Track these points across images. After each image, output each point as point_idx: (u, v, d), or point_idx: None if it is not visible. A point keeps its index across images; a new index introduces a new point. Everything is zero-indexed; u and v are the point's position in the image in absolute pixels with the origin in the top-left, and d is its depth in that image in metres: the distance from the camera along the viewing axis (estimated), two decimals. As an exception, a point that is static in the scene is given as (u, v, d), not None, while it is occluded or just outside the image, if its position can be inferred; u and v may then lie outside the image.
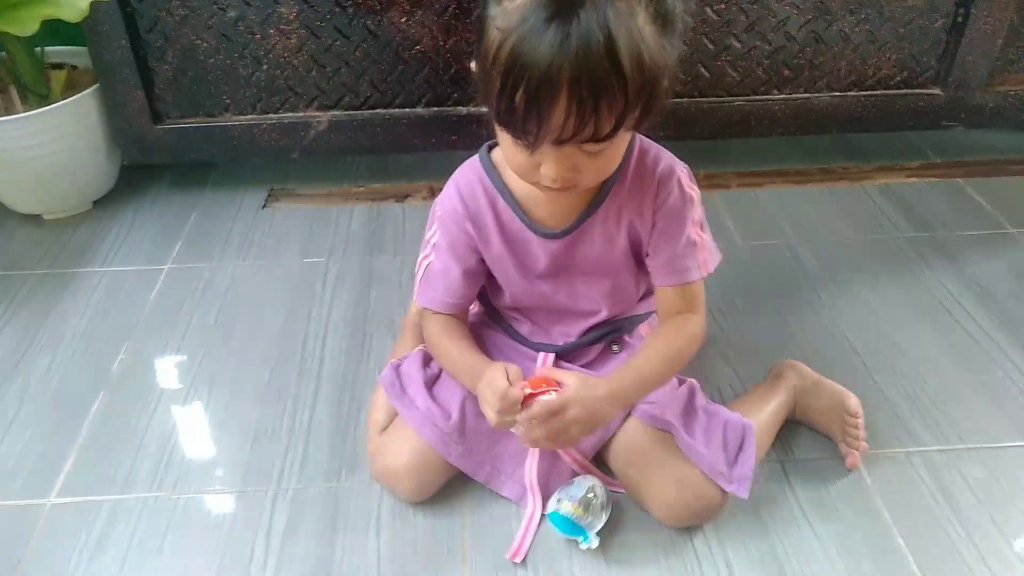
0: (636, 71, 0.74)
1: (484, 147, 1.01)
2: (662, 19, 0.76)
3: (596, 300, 1.06)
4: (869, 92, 1.74)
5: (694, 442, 0.99)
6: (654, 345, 1.00)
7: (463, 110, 1.69)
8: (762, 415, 1.10)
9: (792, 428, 1.16)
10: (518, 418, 0.90)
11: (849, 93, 1.73)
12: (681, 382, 1.07)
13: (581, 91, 0.73)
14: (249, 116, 1.67)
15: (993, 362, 1.30)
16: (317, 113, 1.67)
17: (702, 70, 1.68)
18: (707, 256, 1.00)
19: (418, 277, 1.08)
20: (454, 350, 1.04)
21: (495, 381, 0.91)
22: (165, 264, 1.57)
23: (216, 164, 1.87)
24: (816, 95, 1.72)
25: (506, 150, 0.87)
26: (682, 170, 0.98)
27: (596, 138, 0.78)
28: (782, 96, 1.72)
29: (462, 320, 1.09)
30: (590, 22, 0.71)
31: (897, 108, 1.75)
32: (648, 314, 1.14)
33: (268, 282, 1.51)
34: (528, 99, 0.74)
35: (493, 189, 0.99)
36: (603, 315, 1.08)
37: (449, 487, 1.07)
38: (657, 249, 0.98)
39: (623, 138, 0.83)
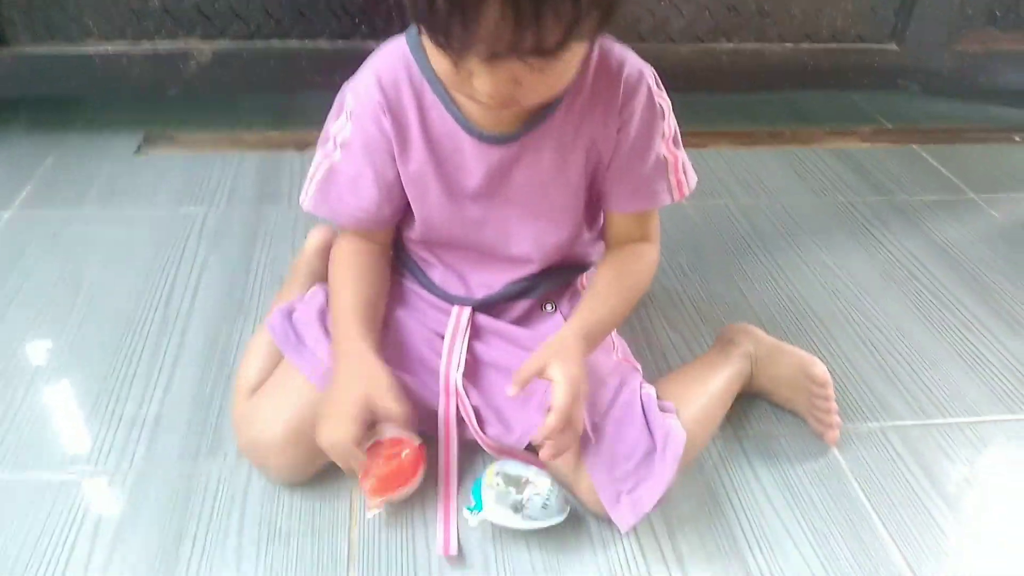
0: None
1: (414, 26, 0.78)
2: None
3: (529, 244, 0.87)
4: (823, 45, 1.61)
5: (598, 454, 0.81)
6: (611, 277, 0.86)
7: (374, 45, 1.46)
8: (712, 386, 0.93)
9: (748, 402, 0.99)
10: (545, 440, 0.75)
11: (802, 45, 1.60)
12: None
13: None
14: (117, 43, 1.42)
15: (968, 330, 1.15)
16: (199, 43, 1.43)
17: (643, 12, 1.50)
18: (681, 177, 0.85)
19: (313, 180, 0.85)
20: (348, 295, 0.84)
21: (336, 432, 0.75)
22: (6, 210, 1.30)
23: (86, 100, 1.60)
24: (767, 45, 1.58)
25: (429, 52, 0.68)
26: (651, 74, 0.81)
27: (539, 51, 0.60)
28: (731, 45, 1.57)
29: (382, 255, 0.90)
30: None
31: (851, 63, 1.62)
32: (588, 265, 0.96)
33: (131, 233, 1.27)
34: None
35: (420, 78, 0.78)
36: (533, 267, 0.89)
37: (334, 466, 0.84)
38: (621, 170, 0.82)
39: (576, 52, 0.65)
